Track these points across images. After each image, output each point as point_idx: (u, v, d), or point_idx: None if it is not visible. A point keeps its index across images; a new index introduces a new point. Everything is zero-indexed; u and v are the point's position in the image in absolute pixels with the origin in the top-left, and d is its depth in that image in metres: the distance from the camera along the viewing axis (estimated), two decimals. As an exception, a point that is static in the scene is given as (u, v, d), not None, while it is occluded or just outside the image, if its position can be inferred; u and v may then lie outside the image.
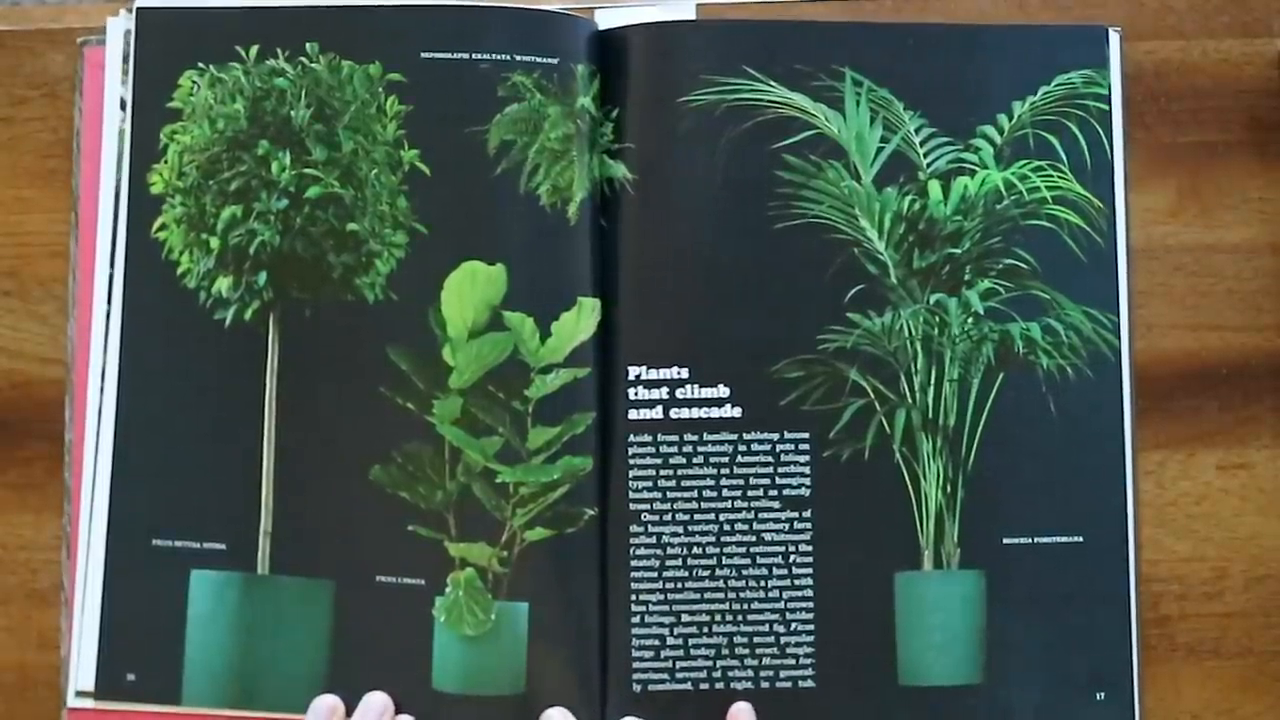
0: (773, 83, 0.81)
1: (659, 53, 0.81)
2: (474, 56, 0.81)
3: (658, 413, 0.80)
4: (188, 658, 0.79)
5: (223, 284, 0.81)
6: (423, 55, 0.81)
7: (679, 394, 0.80)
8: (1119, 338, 0.82)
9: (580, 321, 0.80)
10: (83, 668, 0.80)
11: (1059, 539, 0.80)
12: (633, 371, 0.80)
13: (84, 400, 0.81)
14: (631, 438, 0.80)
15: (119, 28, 0.83)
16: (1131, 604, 0.81)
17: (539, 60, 0.81)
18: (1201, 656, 0.83)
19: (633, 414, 0.80)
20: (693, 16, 0.84)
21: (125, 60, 0.83)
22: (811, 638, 0.79)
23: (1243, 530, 0.84)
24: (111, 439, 0.81)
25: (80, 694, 0.80)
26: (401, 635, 0.79)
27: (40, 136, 0.85)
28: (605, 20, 0.82)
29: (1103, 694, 0.80)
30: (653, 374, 0.80)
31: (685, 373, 0.80)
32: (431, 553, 0.79)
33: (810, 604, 0.79)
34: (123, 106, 0.83)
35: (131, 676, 0.79)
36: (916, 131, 0.82)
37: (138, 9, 0.82)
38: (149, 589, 0.80)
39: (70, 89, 0.85)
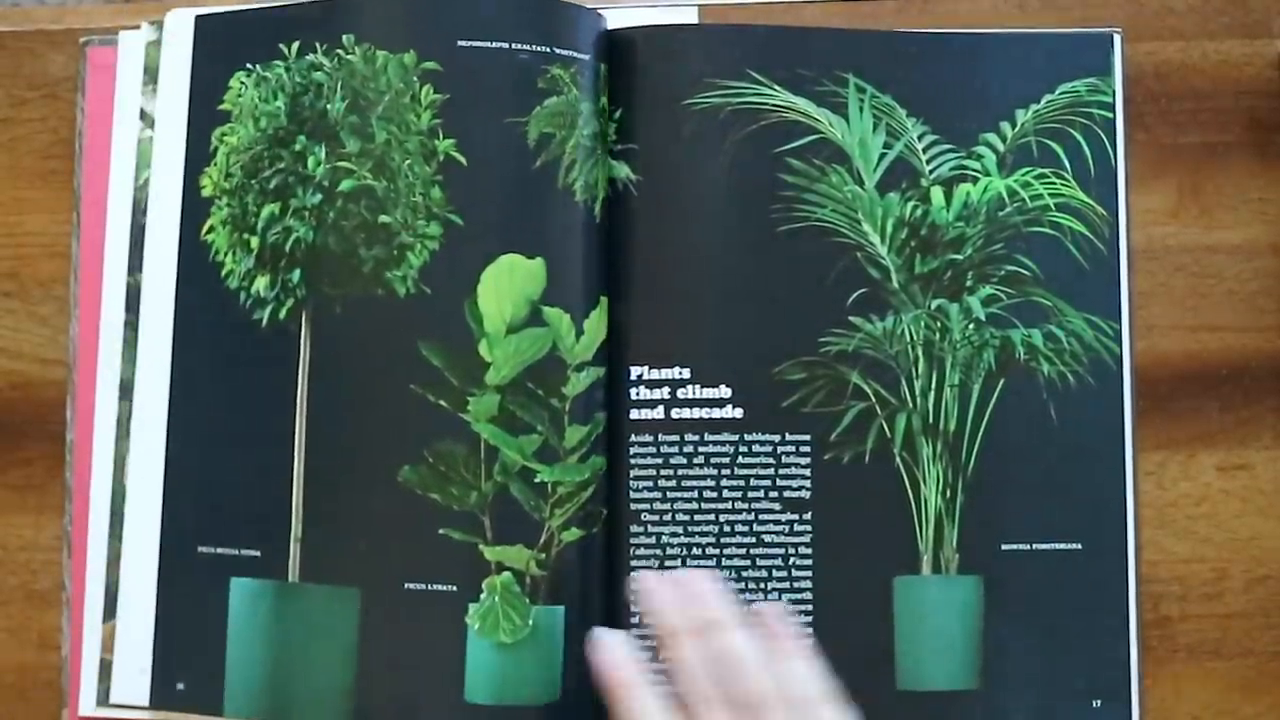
0: (776, 87, 0.81)
1: (663, 55, 0.81)
2: (514, 46, 0.79)
3: (659, 413, 0.79)
4: (228, 667, 0.78)
5: (260, 283, 0.80)
6: (460, 44, 0.79)
7: (680, 394, 0.79)
8: (1120, 345, 0.82)
9: (602, 320, 0.79)
10: (123, 677, 0.80)
11: (1058, 546, 0.80)
12: (634, 371, 0.80)
13: (88, 401, 0.81)
14: (633, 437, 0.79)
15: (139, 40, 0.83)
16: (1130, 613, 0.81)
17: (575, 55, 0.80)
18: (1202, 658, 0.83)
19: (634, 414, 0.80)
20: (694, 19, 0.84)
21: (146, 72, 0.83)
22: (809, 641, 0.79)
23: (1243, 531, 0.84)
24: (163, 447, 0.80)
25: (113, 705, 0.80)
26: (431, 645, 0.77)
27: (40, 137, 0.85)
28: (609, 20, 0.82)
29: (1099, 702, 0.80)
30: (654, 374, 0.80)
31: (687, 373, 0.80)
32: (464, 557, 0.77)
33: (809, 607, 0.79)
34: (142, 117, 0.83)
35: (181, 685, 0.79)
36: (919, 138, 0.81)
37: (196, 16, 0.82)
38: (195, 597, 0.79)
39: (71, 89, 0.84)
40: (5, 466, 0.83)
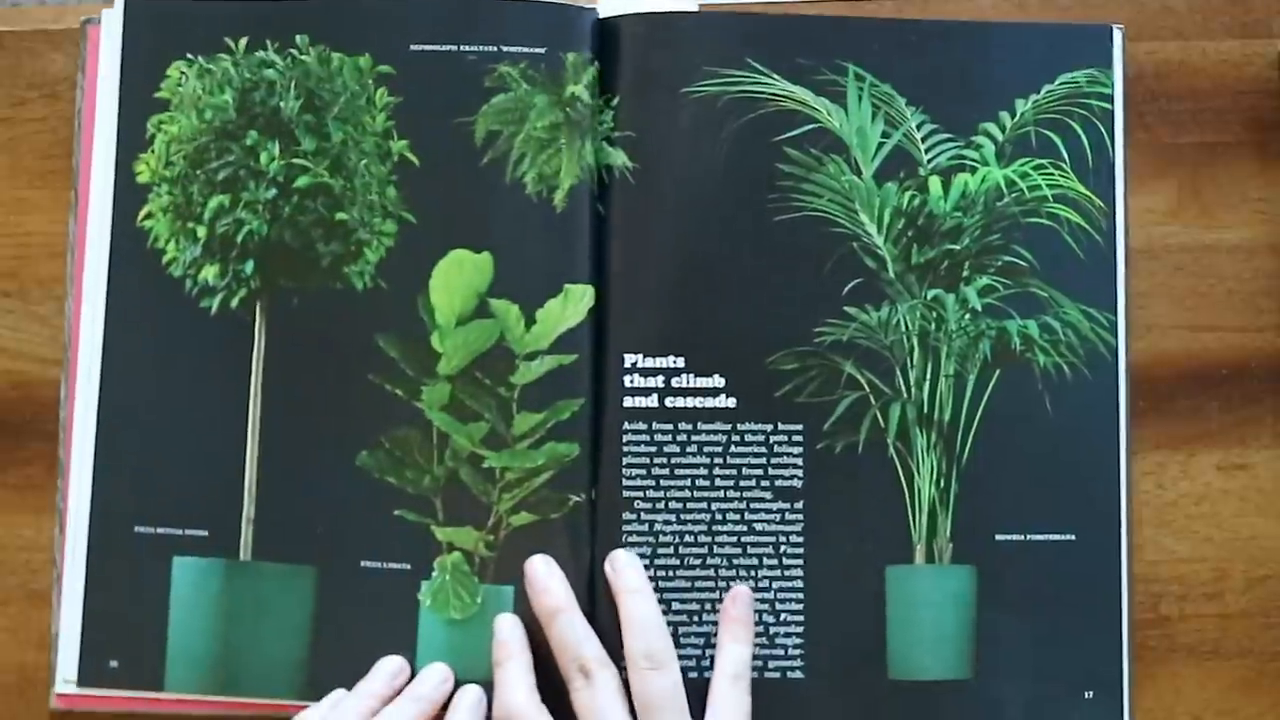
0: (775, 76, 0.81)
1: (661, 43, 0.81)
2: (462, 48, 0.82)
3: (653, 401, 0.80)
4: (170, 644, 0.80)
5: (209, 272, 0.81)
6: (412, 47, 0.82)
7: (674, 383, 0.80)
8: (1116, 337, 0.82)
9: (567, 308, 0.80)
10: (67, 656, 0.80)
11: (1051, 536, 0.80)
12: (628, 359, 0.80)
13: (77, 392, 0.82)
14: (626, 425, 0.80)
15: (117, 14, 0.83)
16: (1123, 603, 0.81)
17: (525, 51, 0.81)
18: (1201, 657, 0.83)
19: (628, 401, 0.80)
20: (695, 8, 0.84)
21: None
22: (801, 629, 0.79)
23: (1243, 531, 0.84)
24: (94, 426, 0.81)
25: (65, 681, 0.80)
26: (386, 620, 0.80)
27: (40, 137, 0.85)
28: (606, 8, 0.83)
29: (1091, 692, 0.80)
30: (648, 362, 0.80)
31: (681, 362, 0.80)
32: (418, 537, 0.80)
33: (800, 595, 0.79)
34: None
35: (114, 663, 0.80)
36: (918, 128, 0.82)
37: (126, 0, 0.83)
38: (131, 576, 0.80)
39: (70, 89, 0.85)
40: (5, 466, 0.84)
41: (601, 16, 0.82)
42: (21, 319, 0.85)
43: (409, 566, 0.80)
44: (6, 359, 0.84)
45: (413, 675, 0.79)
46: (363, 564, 0.80)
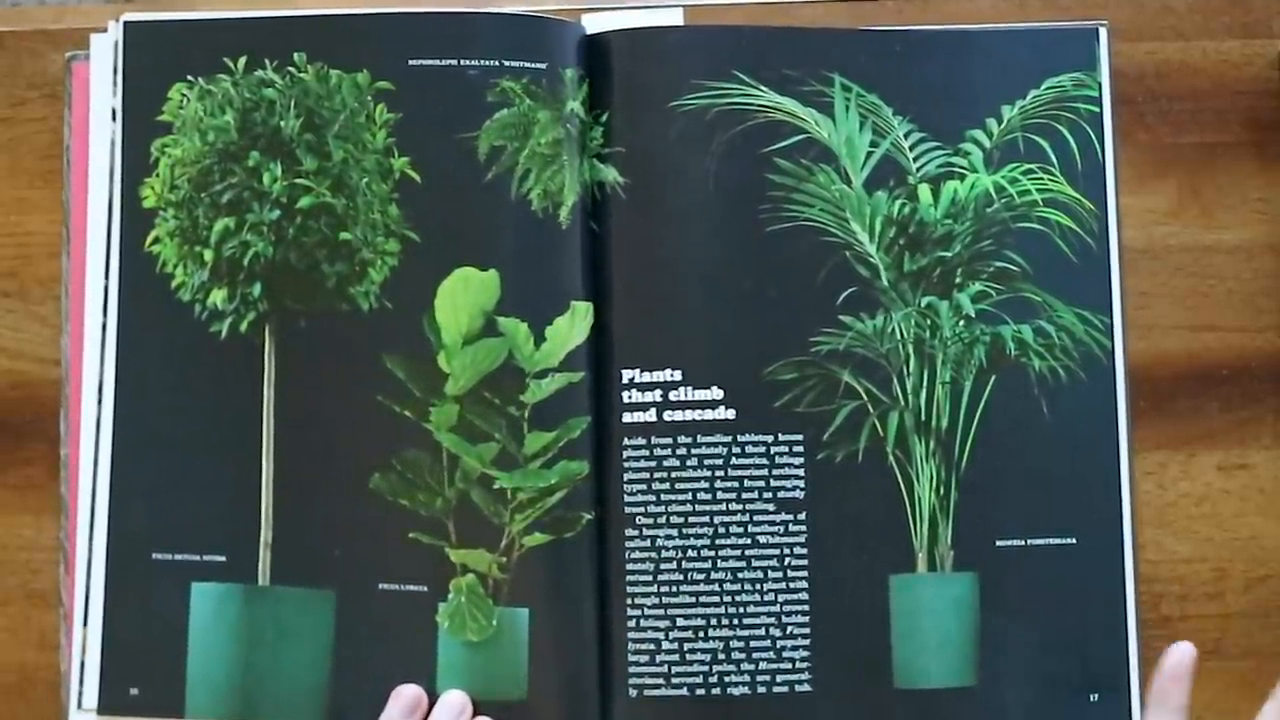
0: (763, 88, 0.84)
1: (648, 57, 0.84)
2: (462, 63, 0.84)
3: (651, 415, 0.82)
4: (190, 670, 0.82)
5: (217, 296, 0.83)
6: (411, 63, 0.84)
7: (672, 396, 0.82)
8: (1111, 339, 0.84)
9: (574, 326, 0.82)
10: (86, 683, 0.82)
11: (1052, 541, 0.83)
12: (626, 374, 0.83)
13: (79, 414, 0.84)
14: (625, 440, 0.82)
15: (107, 41, 0.85)
16: (1127, 605, 0.83)
17: (527, 65, 0.83)
18: (1203, 657, 0.83)
19: (626, 417, 0.83)
20: (679, 21, 0.87)
21: (115, 72, 0.85)
22: (807, 641, 0.82)
23: (1243, 531, 0.87)
24: (109, 453, 0.83)
25: (86, 710, 0.82)
26: (405, 643, 0.82)
27: (40, 137, 0.88)
28: (592, 24, 0.86)
29: (1097, 695, 0.82)
30: (646, 376, 0.83)
31: (678, 375, 0.82)
32: (433, 559, 0.82)
33: (806, 607, 0.82)
34: (114, 118, 0.85)
35: (135, 691, 0.82)
36: (906, 136, 0.85)
37: (125, 23, 0.85)
38: (150, 603, 0.83)
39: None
40: (5, 466, 0.87)
41: (589, 33, 0.85)
42: (21, 319, 0.87)
43: (426, 589, 0.82)
44: (6, 359, 0.87)
45: (432, 697, 0.81)
46: (380, 587, 0.82)
